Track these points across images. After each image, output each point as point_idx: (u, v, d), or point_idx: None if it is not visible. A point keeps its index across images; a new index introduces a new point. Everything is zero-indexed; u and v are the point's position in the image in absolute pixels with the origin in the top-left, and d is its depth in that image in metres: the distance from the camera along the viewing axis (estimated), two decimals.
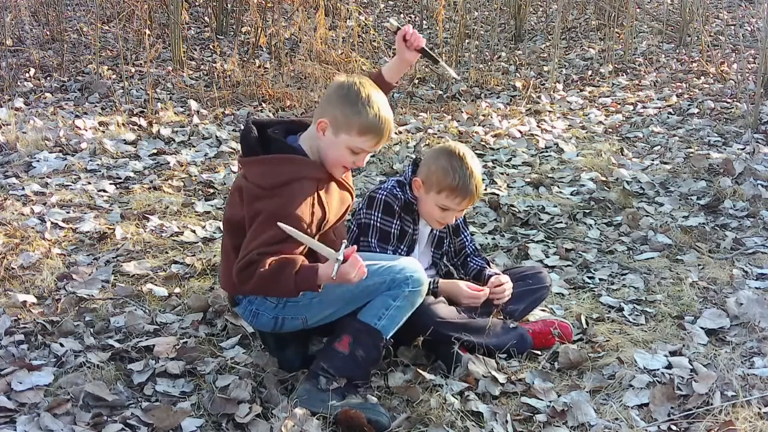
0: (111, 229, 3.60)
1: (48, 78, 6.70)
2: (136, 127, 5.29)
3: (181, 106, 5.91)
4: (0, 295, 2.95)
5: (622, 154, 4.83)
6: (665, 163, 4.66)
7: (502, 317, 2.67)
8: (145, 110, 5.74)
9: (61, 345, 2.59)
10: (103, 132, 5.15)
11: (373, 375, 2.43)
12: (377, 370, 2.46)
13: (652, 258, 3.42)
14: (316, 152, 2.33)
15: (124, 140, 4.98)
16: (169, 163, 4.64)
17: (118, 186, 4.27)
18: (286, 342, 2.48)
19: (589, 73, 7.15)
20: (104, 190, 4.15)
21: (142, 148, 4.88)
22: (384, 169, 4.58)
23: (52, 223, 3.63)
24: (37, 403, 2.26)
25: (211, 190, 4.26)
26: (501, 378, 2.43)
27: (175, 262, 3.30)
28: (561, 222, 3.84)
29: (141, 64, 6.98)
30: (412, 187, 2.64)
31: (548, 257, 3.45)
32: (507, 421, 2.23)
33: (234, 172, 4.51)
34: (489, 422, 2.22)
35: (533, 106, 6.04)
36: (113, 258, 3.34)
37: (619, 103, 6.15)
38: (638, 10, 8.40)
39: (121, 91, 6.22)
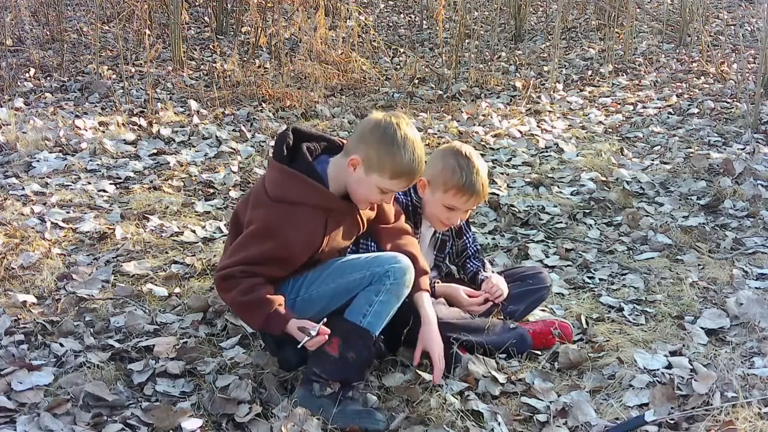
0: (111, 229, 3.60)
1: (48, 78, 6.70)
2: (136, 127, 5.29)
3: (181, 106, 5.91)
4: (0, 295, 2.95)
5: (622, 154, 4.83)
6: (665, 163, 4.66)
7: (502, 317, 2.67)
8: (145, 110, 5.74)
9: (61, 345, 2.59)
10: (103, 132, 5.15)
11: (373, 375, 2.43)
12: (377, 370, 2.46)
13: (652, 258, 3.42)
14: (341, 182, 2.29)
15: (124, 140, 4.98)
16: (169, 163, 4.64)
17: (118, 186, 4.26)
18: (285, 342, 2.47)
19: (589, 73, 7.14)
20: (104, 190, 4.15)
21: (142, 148, 4.88)
22: None
23: (52, 223, 3.63)
24: (37, 403, 2.25)
25: (211, 190, 4.26)
26: (501, 378, 2.42)
27: (175, 262, 3.30)
28: (561, 222, 3.84)
29: (141, 64, 6.98)
30: (416, 189, 2.63)
31: (548, 257, 3.44)
32: (507, 421, 2.23)
33: (234, 172, 4.51)
34: (489, 422, 2.22)
35: (533, 106, 6.03)
36: (113, 258, 3.33)
37: (619, 103, 6.14)
38: (638, 10, 8.40)
39: (121, 91, 6.22)
